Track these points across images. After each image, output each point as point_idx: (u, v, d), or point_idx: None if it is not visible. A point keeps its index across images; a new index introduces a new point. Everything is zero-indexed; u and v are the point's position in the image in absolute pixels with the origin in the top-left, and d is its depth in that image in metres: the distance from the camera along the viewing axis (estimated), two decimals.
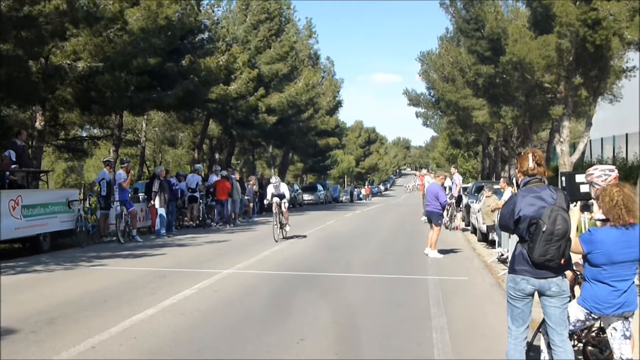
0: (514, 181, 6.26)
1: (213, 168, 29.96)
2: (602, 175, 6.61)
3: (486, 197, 19.23)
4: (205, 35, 32.80)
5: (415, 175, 72.58)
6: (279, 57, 38.69)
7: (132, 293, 11.05)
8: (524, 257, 5.61)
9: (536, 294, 5.72)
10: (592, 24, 20.20)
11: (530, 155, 5.86)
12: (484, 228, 18.99)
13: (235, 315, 9.51)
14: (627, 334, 5.78)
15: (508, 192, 15.86)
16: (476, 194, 23.77)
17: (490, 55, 30.34)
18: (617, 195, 5.62)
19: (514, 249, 5.83)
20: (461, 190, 26.84)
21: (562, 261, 5.54)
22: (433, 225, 16.82)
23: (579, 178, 8.70)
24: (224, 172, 28.50)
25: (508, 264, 11.72)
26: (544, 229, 5.40)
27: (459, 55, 39.33)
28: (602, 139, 34.05)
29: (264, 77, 37.05)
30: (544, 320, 6.01)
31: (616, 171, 6.75)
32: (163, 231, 21.76)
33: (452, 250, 17.84)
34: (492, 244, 18.38)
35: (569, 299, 5.75)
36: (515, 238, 11.69)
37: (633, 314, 5.81)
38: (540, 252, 5.44)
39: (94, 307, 9.81)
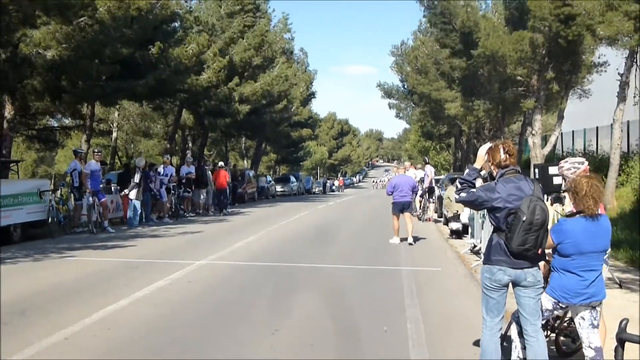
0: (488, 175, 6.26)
1: (186, 159, 29.80)
2: (572, 167, 6.71)
3: (448, 188, 19.97)
4: (178, 24, 32.51)
5: (388, 170, 71.97)
6: (252, 47, 38.50)
7: (105, 284, 10.98)
8: (501, 247, 5.65)
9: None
10: (565, 19, 20.36)
11: (500, 147, 5.91)
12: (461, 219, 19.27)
13: (209, 306, 9.49)
14: (595, 323, 5.86)
15: (479, 182, 16.04)
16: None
17: (462, 48, 30.53)
18: (585, 185, 5.69)
19: (490, 240, 5.86)
20: (433, 181, 26.94)
21: (539, 251, 5.60)
22: (407, 214, 17.48)
23: (552, 170, 8.80)
24: (221, 163, 30.29)
25: (482, 255, 11.84)
26: (523, 218, 5.44)
27: (434, 47, 39.49)
28: (573, 131, 34.39)
29: (237, 66, 36.85)
30: (516, 310, 6.08)
31: (586, 163, 6.84)
32: (135, 222, 21.60)
33: (425, 242, 17.95)
34: (454, 233, 18.81)
35: (542, 289, 5.82)
36: (488, 229, 11.78)
37: (601, 303, 5.90)
38: (519, 242, 5.48)
39: (66, 298, 9.73)
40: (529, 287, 5.68)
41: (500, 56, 24.60)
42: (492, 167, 5.97)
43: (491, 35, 24.95)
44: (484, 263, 5.89)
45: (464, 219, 17.51)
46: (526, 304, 5.73)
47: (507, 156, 5.85)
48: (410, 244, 16.91)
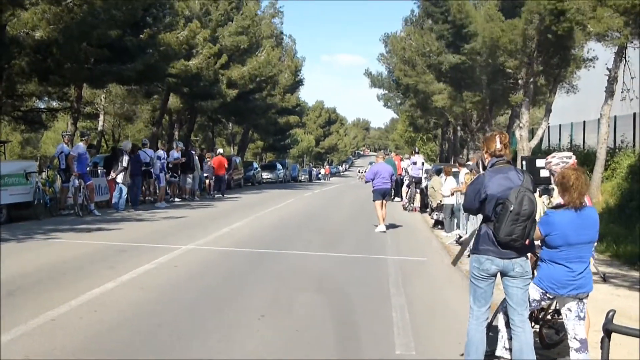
0: (480, 162, 6.33)
1: (174, 143, 29.70)
2: (560, 162, 6.76)
3: (433, 178, 20.48)
4: (167, 9, 32.34)
5: (372, 163, 71.63)
6: (241, 30, 38.36)
7: (91, 267, 10.97)
8: (489, 237, 5.70)
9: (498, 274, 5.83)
10: (557, 13, 20.42)
11: (497, 137, 5.96)
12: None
13: (196, 291, 9.51)
14: (582, 315, 5.93)
15: (463, 174, 16.23)
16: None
17: (453, 40, 30.61)
18: (572, 177, 5.75)
19: (479, 229, 5.91)
20: (422, 172, 26.99)
21: (527, 242, 5.65)
22: (385, 201, 17.95)
23: (540, 163, 8.90)
24: (220, 150, 33.00)
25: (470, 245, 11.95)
26: (511, 208, 5.49)
27: (422, 37, 39.43)
28: (560, 125, 34.51)
29: (225, 50, 36.68)
30: (504, 301, 6.13)
31: (574, 157, 6.90)
32: (122, 206, 21.54)
33: (410, 231, 18.04)
34: (438, 223, 19.00)
35: (530, 280, 5.87)
36: (474, 220, 11.88)
37: (587, 295, 5.95)
38: (507, 232, 5.52)
39: (52, 280, 9.71)
40: (517, 278, 5.73)
41: (496, 41, 24.57)
42: (486, 155, 6.02)
43: (490, 23, 24.92)
44: (472, 253, 5.93)
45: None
46: (514, 294, 5.78)
47: (502, 147, 5.90)
48: (383, 231, 17.18)
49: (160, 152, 25.39)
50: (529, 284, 5.85)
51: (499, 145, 5.91)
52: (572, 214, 5.76)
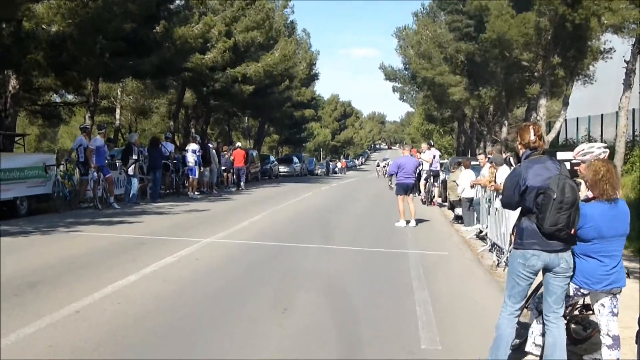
0: (510, 160, 6.26)
1: (191, 136, 29.78)
2: (601, 153, 6.77)
3: (451, 172, 20.10)
4: (182, 2, 32.34)
5: (386, 159, 69.36)
6: (255, 25, 38.30)
7: (113, 259, 10.98)
8: (533, 229, 5.55)
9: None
10: (571, 2, 20.29)
11: (531, 128, 5.84)
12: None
13: (218, 284, 9.51)
14: (615, 310, 5.84)
15: (486, 168, 16.02)
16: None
17: (471, 31, 30.49)
18: (602, 169, 5.69)
19: (519, 223, 5.78)
20: (439, 165, 26.90)
21: (572, 231, 5.49)
22: (410, 196, 17.82)
23: (560, 156, 8.86)
24: (239, 143, 34.19)
25: (488, 240, 11.86)
26: (554, 197, 5.34)
27: (438, 30, 39.31)
28: (577, 118, 34.31)
29: (240, 45, 36.63)
30: (530, 296, 6.07)
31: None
32: (126, 198, 21.66)
33: (430, 226, 17.97)
34: (458, 219, 18.88)
35: (570, 278, 5.76)
36: (494, 214, 11.82)
37: (621, 290, 5.87)
38: (552, 222, 5.37)
39: (74, 273, 9.74)
40: (560, 275, 5.58)
41: (506, 39, 24.49)
42: (520, 147, 5.93)
43: (499, 17, 24.82)
44: (516, 248, 5.76)
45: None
46: (554, 291, 5.65)
47: (537, 138, 5.80)
48: (413, 226, 17.05)
49: (195, 146, 25.63)
50: (569, 282, 5.73)
51: (532, 137, 5.79)
52: (605, 206, 5.68)
